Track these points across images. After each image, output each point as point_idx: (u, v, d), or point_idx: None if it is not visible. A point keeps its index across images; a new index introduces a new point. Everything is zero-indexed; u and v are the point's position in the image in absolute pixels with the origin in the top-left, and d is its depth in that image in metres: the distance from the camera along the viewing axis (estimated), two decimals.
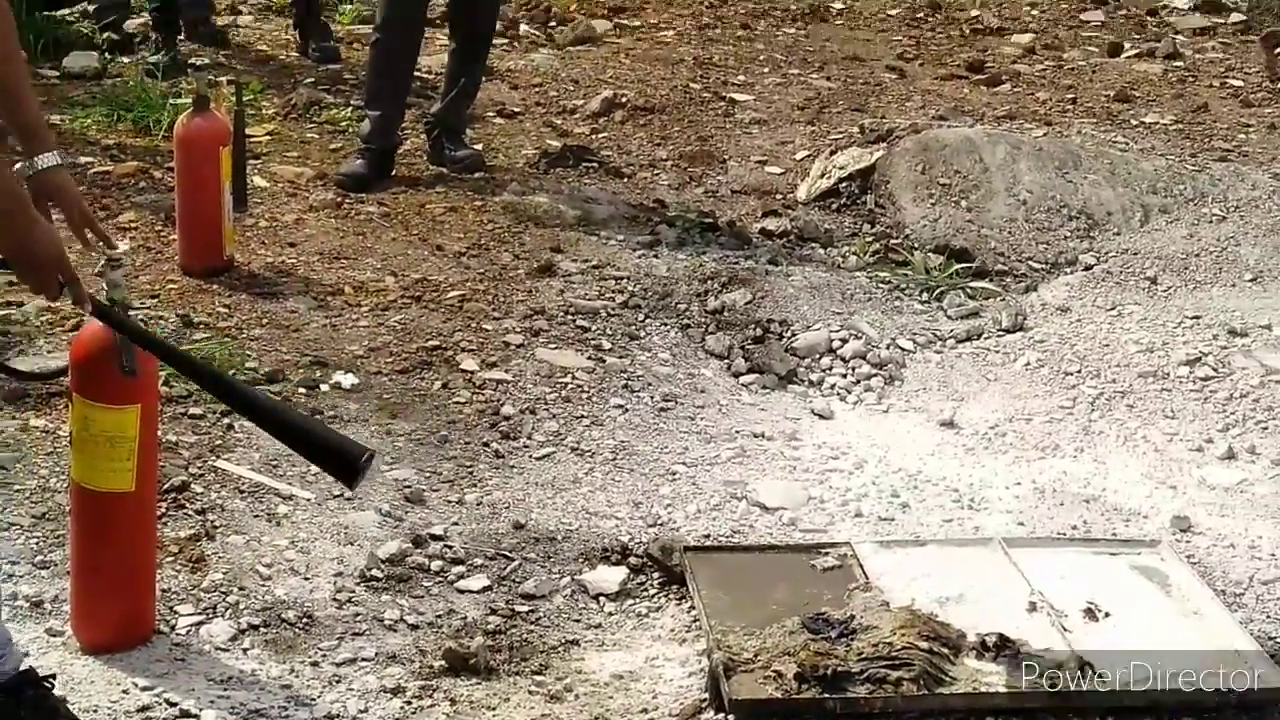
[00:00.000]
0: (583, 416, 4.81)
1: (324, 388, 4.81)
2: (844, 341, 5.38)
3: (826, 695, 3.45)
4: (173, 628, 3.65)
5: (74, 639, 3.56)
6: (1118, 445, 4.87)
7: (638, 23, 9.09)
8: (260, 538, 4.03)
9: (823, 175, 6.69)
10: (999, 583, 3.95)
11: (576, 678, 3.67)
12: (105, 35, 7.84)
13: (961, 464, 4.75)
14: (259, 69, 7.82)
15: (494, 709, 3.53)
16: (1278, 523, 4.44)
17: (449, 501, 4.31)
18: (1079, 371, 5.24)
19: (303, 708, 3.45)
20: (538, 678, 3.65)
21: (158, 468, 3.73)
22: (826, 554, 4.09)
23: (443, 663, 3.63)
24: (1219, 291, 5.74)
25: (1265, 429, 4.93)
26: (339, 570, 3.94)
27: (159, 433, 3.50)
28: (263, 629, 3.70)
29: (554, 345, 5.20)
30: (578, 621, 3.90)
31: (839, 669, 3.48)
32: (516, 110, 7.52)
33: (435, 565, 4.01)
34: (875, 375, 5.25)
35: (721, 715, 3.49)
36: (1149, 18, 9.73)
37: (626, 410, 4.88)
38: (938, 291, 5.82)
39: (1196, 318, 5.52)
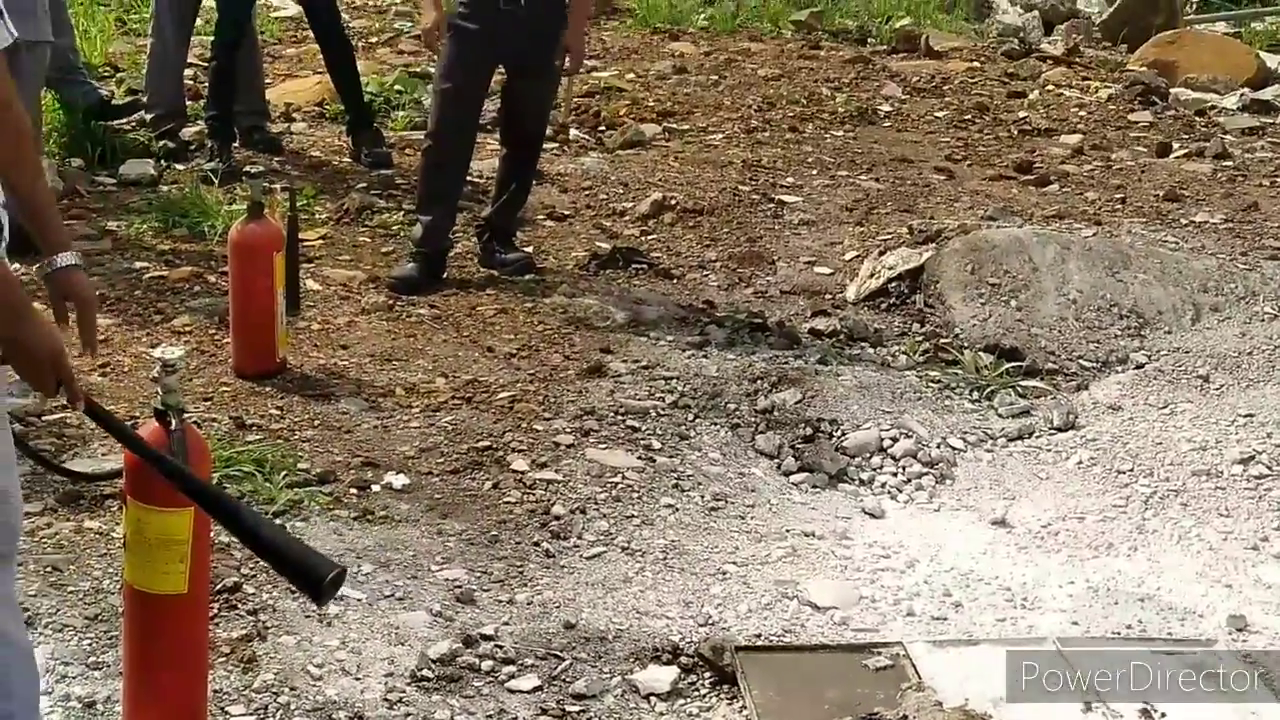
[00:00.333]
0: (633, 516, 4.81)
1: (375, 488, 4.83)
2: (894, 440, 5.36)
3: None
4: None
5: None
6: (1172, 544, 4.83)
7: (686, 126, 9.16)
8: (311, 638, 4.03)
9: (872, 275, 6.71)
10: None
11: None
12: (161, 143, 7.95)
13: (1014, 563, 4.72)
14: (312, 174, 7.91)
15: None
16: None
17: (500, 601, 4.31)
18: (1132, 470, 5.21)
19: None
20: None
21: (210, 569, 3.75)
22: (879, 654, 4.07)
23: None
24: (1272, 390, 5.70)
25: None
26: (390, 670, 3.94)
27: (211, 533, 3.51)
28: None
29: (604, 445, 5.21)
30: None
31: None
32: (566, 213, 7.58)
33: (486, 665, 4.00)
34: (926, 474, 5.24)
35: None
36: (1197, 118, 9.76)
37: (677, 509, 4.88)
38: (988, 390, 5.80)
39: (1250, 416, 5.49)
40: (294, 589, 3.53)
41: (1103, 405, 5.69)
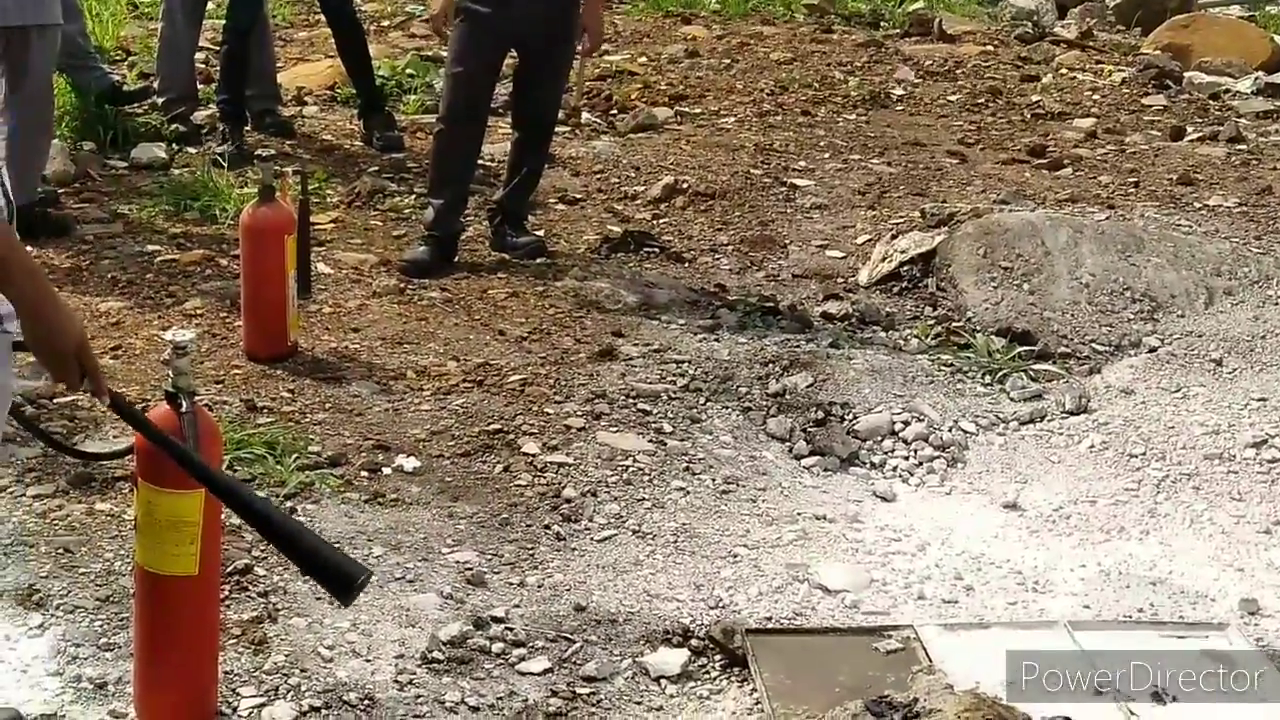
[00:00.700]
0: (644, 499, 4.81)
1: (386, 471, 4.83)
2: (906, 424, 5.35)
3: None
4: (235, 710, 3.66)
5: None
6: (1184, 527, 4.82)
7: (699, 110, 9.15)
8: (322, 620, 4.04)
9: (884, 259, 6.69)
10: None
11: None
12: (173, 127, 7.97)
13: (1026, 546, 4.71)
14: (324, 158, 7.92)
15: None
16: None
17: (510, 584, 4.31)
18: (1144, 454, 5.19)
19: None
20: None
21: (221, 551, 3.75)
22: (889, 637, 4.07)
23: None
24: None
25: None
26: (400, 652, 3.94)
27: (222, 516, 3.52)
28: (324, 711, 3.70)
29: (615, 428, 5.21)
30: (639, 704, 3.88)
31: None
32: (578, 197, 7.57)
33: (496, 647, 4.00)
34: (938, 457, 5.22)
35: None
36: (1211, 102, 9.73)
37: (688, 493, 4.87)
38: (1000, 374, 5.79)
39: (1263, 399, 5.47)
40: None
41: (1115, 389, 5.67)
